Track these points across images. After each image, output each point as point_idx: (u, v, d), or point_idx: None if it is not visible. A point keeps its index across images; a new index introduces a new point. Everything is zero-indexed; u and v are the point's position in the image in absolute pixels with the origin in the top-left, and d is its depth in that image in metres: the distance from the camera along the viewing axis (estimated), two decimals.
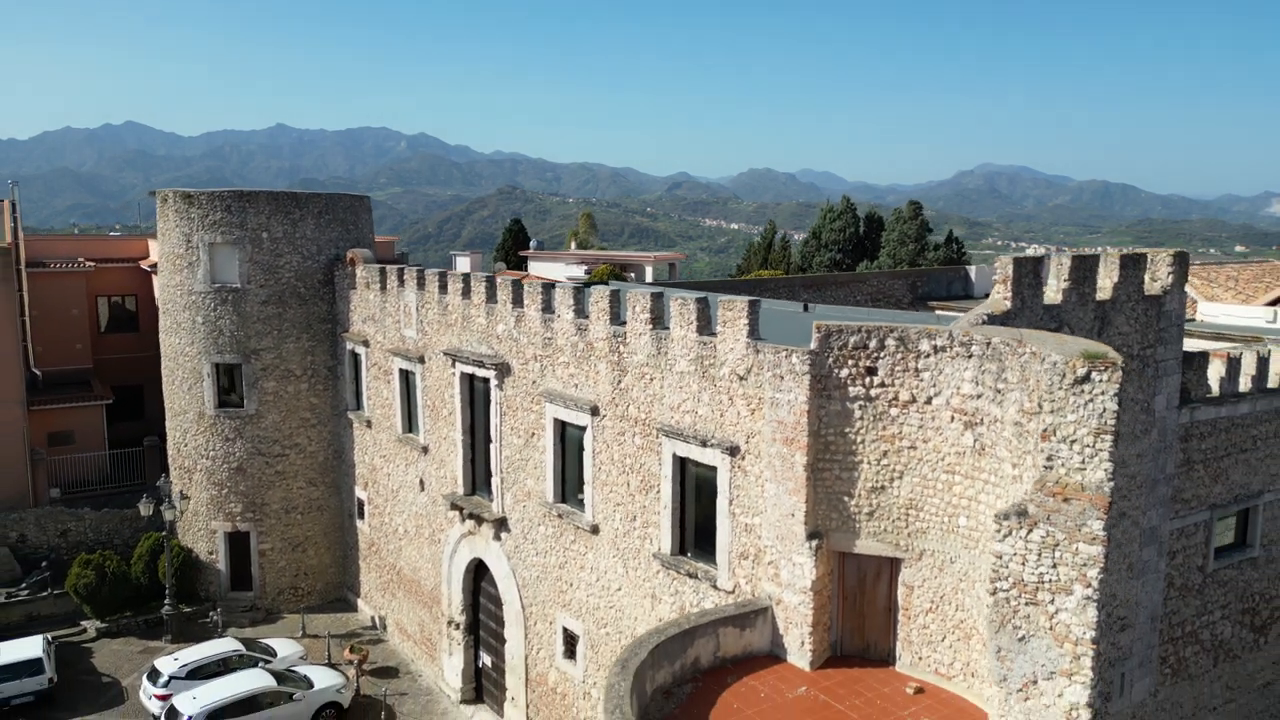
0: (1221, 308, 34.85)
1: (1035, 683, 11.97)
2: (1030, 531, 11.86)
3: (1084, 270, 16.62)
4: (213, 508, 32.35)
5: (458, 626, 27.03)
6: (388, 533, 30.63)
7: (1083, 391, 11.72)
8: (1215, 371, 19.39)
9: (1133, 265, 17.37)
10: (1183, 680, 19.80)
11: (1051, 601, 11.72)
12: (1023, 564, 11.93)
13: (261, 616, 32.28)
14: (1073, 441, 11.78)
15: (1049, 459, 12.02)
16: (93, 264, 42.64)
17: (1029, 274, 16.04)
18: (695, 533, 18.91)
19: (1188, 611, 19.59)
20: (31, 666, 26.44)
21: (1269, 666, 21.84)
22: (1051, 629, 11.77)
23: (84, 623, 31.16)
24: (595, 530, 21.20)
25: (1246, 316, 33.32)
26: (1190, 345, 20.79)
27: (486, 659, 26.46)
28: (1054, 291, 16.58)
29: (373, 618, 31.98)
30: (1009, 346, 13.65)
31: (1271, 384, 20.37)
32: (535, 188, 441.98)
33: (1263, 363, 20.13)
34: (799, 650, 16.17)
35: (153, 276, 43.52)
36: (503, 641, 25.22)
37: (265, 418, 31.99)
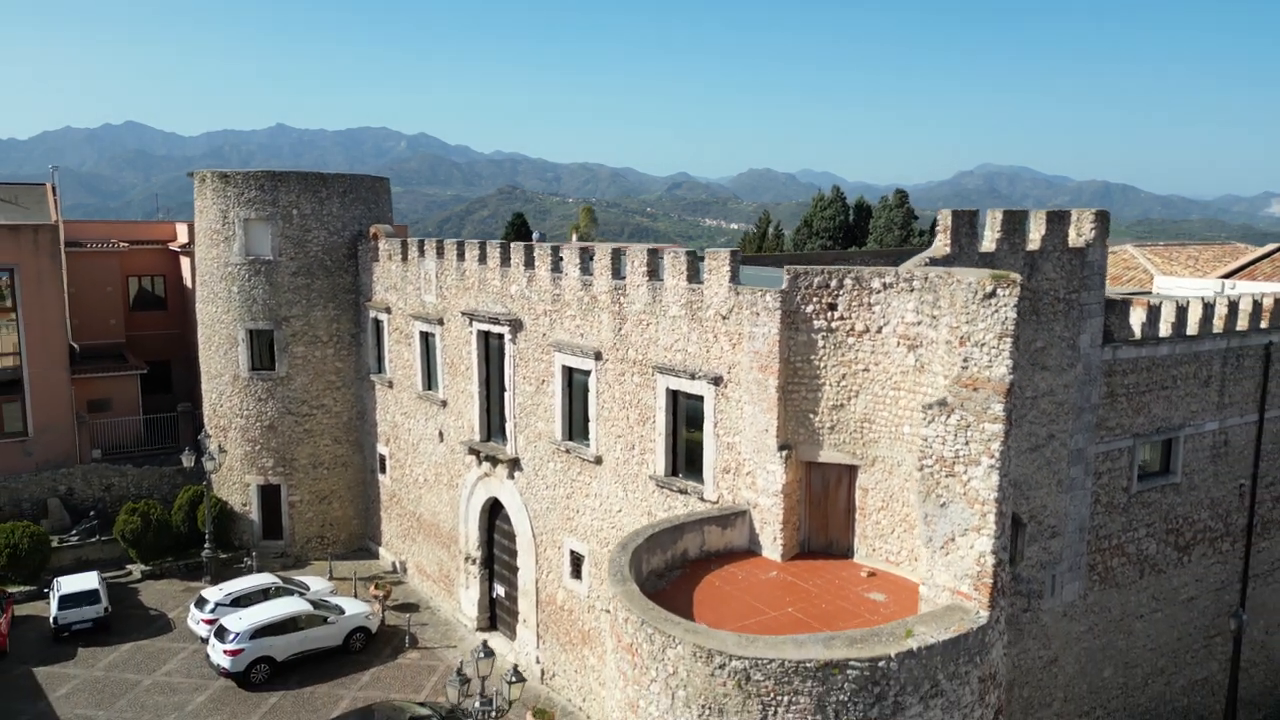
0: (1175, 281, 37.66)
1: (953, 539, 14.89)
2: (949, 417, 14.78)
3: (1014, 223, 19.54)
4: (246, 463, 35.27)
5: (474, 561, 29.95)
6: (408, 483, 33.55)
7: (990, 304, 14.64)
8: (1138, 317, 22.30)
9: (1058, 220, 20.28)
10: (1110, 587, 22.70)
11: (965, 471, 14.64)
12: (943, 443, 14.86)
13: (291, 563, 35.17)
14: (982, 345, 14.70)
15: (965, 360, 14.95)
16: (126, 244, 45.56)
17: (965, 225, 18.95)
18: (685, 455, 21.82)
19: (1114, 527, 22.49)
20: (90, 597, 29.36)
21: (1193, 583, 24.75)
22: (965, 494, 14.69)
23: (129, 566, 34.07)
24: (599, 461, 24.12)
25: (1198, 289, 36.11)
26: None
27: (500, 590, 29.35)
28: (989, 242, 19.49)
29: (394, 563, 34.91)
30: (941, 279, 16.54)
31: (1191, 331, 23.28)
32: (535, 188, 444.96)
33: (1181, 311, 23.03)
34: (772, 545, 19.07)
35: (180, 258, 46.61)
36: (515, 571, 28.12)
37: (294, 380, 34.92)
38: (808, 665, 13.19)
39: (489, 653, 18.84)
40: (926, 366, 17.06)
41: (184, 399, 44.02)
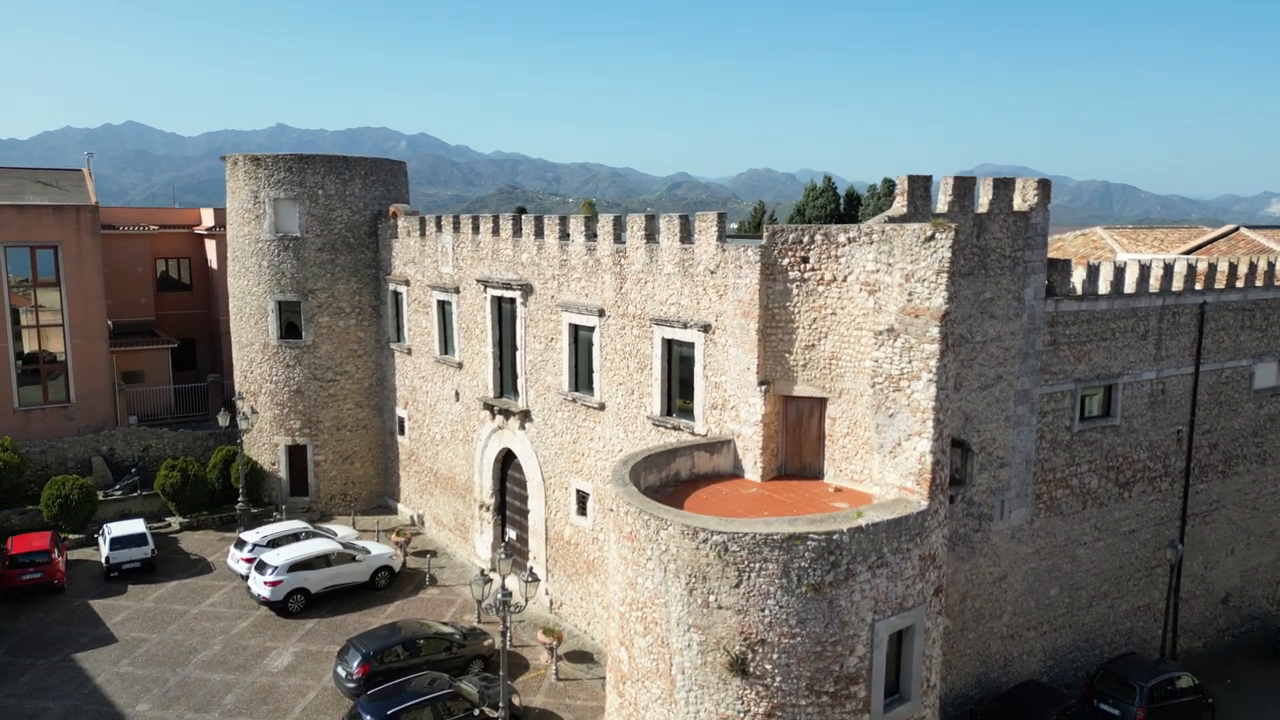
0: (1137, 256, 40.52)
1: (900, 444, 17.78)
2: (896, 341, 17.68)
3: (964, 188, 22.39)
4: (275, 424, 38.15)
5: (487, 508, 32.83)
6: (426, 441, 36.43)
7: (930, 246, 17.54)
8: (1079, 276, 25.17)
9: (1004, 187, 23.14)
10: (1055, 515, 25.56)
11: (909, 386, 17.54)
12: (891, 363, 17.75)
13: (316, 517, 38.01)
14: (923, 280, 17.60)
15: (909, 294, 17.85)
16: (156, 227, 48.45)
17: (920, 189, 21.80)
18: (679, 396, 24.70)
19: (1058, 461, 25.34)
20: (138, 540, 32.24)
21: (1134, 517, 27.60)
22: (909, 405, 17.58)
23: (169, 519, 36.95)
24: (602, 407, 27.01)
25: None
26: None
27: (511, 533, 32.21)
28: (942, 204, 22.33)
29: (412, 517, 37.79)
30: (895, 231, 19.41)
31: (1128, 290, 26.15)
32: (535, 187, 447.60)
33: (1119, 271, 25.91)
34: (753, 468, 21.94)
35: (205, 241, 49.52)
36: (525, 515, 31.00)
37: (320, 348, 37.81)
38: (775, 537, 16.08)
39: (509, 553, 21.72)
40: (883, 308, 19.91)
41: (206, 374, 46.96)
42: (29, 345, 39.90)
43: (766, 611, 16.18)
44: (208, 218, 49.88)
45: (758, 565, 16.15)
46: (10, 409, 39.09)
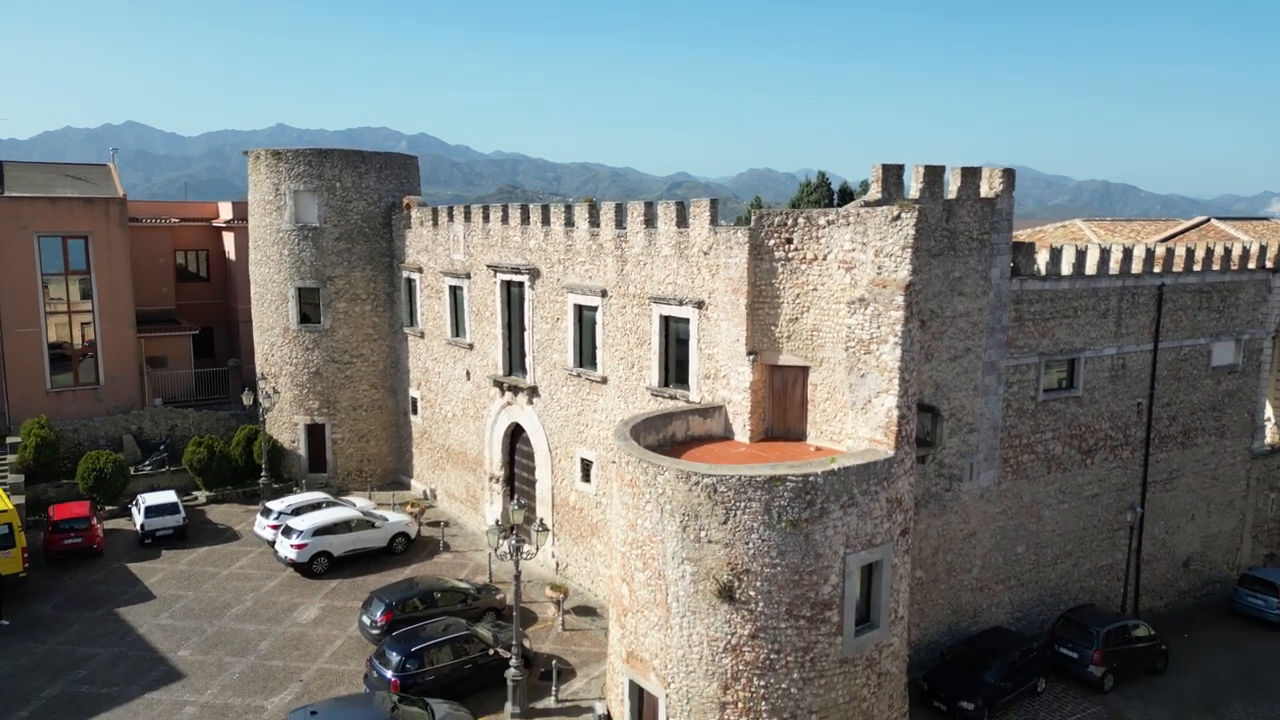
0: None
1: (870, 401, 20.00)
2: (866, 308, 19.91)
3: (934, 176, 24.56)
4: (295, 404, 40.38)
5: (497, 480, 35.06)
6: (438, 419, 38.66)
7: (896, 224, 19.76)
8: (1043, 258, 27.38)
9: (971, 175, 25.32)
10: (1021, 479, 27.77)
11: (878, 348, 19.77)
12: (862, 329, 19.98)
13: (334, 492, 40.09)
14: (890, 255, 19.82)
15: (879, 268, 20.07)
16: (176, 220, 50.66)
17: (894, 177, 23.96)
18: (675, 368, 26.91)
19: (1023, 428, 27.55)
20: (170, 509, 34.49)
21: (1096, 482, 29.81)
22: (878, 365, 19.81)
23: (195, 492, 39.17)
24: (604, 381, 29.23)
25: None
26: None
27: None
28: (914, 191, 24.53)
29: (424, 491, 40.02)
30: (869, 213, 21.63)
31: (1090, 271, 28.36)
32: (535, 187, 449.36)
33: (1080, 255, 28.12)
34: (742, 431, 24.17)
35: (223, 233, 51.71)
36: (533, 485, 33.21)
37: (337, 332, 40.03)
38: (757, 479, 18.32)
39: (521, 504, 23.94)
40: (858, 283, 22.13)
41: (224, 361, 49.21)
42: (61, 330, 42.10)
43: (750, 544, 18.41)
44: (225, 211, 52.07)
45: (743, 504, 18.38)
46: (43, 391, 41.30)
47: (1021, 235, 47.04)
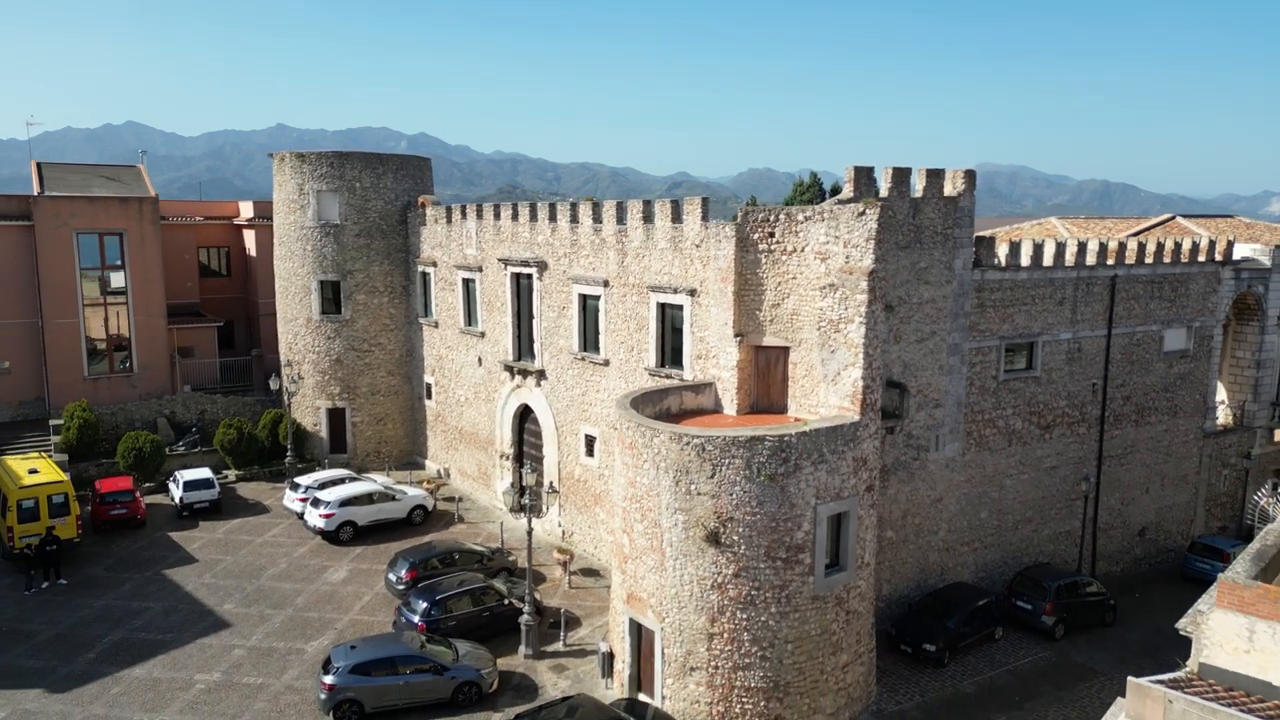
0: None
1: (839, 373, 22.91)
2: (836, 293, 22.81)
3: (901, 177, 27.43)
4: (317, 390, 43.30)
5: (507, 457, 37.97)
6: (451, 403, 41.58)
7: (862, 219, 22.66)
8: (1003, 250, 30.27)
9: (935, 176, 28.18)
10: (984, 450, 30.66)
11: (845, 327, 22.67)
12: (832, 310, 22.88)
13: (354, 471, 43.11)
14: (857, 245, 22.73)
15: (847, 257, 22.98)
16: (201, 219, 53.56)
17: (865, 178, 26.86)
18: (670, 351, 29.82)
19: (986, 404, 30.44)
20: (206, 483, 37.44)
21: (1054, 455, 32.71)
22: (845, 342, 22.72)
23: (225, 471, 42.08)
24: (607, 363, 32.14)
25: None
26: None
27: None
28: (884, 190, 27.41)
29: (438, 470, 42.93)
30: (841, 209, 24.52)
31: (1047, 263, 31.25)
32: (535, 187, 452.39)
33: (1038, 248, 31.00)
34: (730, 405, 27.07)
35: (243, 231, 54.63)
36: (541, 460, 36.10)
37: (357, 322, 42.95)
38: (740, 439, 21.22)
39: (534, 468, 26.85)
40: (831, 271, 25.06)
41: (244, 353, 52.13)
42: (97, 322, 44.98)
43: (734, 496, 21.31)
44: (247, 210, 54.97)
45: (727, 461, 21.28)
46: (81, 378, 44.19)
47: (1000, 231, 50.10)
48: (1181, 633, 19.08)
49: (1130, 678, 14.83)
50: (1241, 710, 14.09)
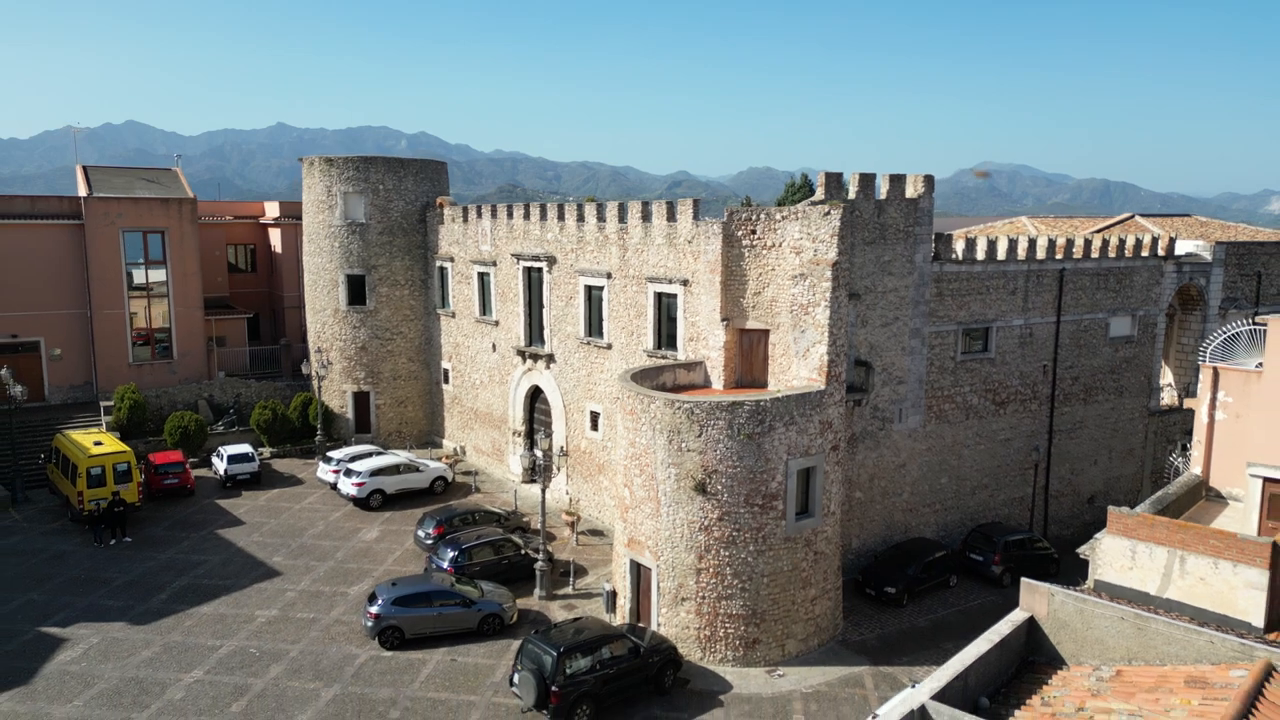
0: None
1: (808, 350, 26.90)
2: (805, 281, 26.81)
3: (867, 181, 31.41)
4: (343, 375, 47.29)
5: (519, 434, 41.97)
6: (467, 386, 45.58)
7: (828, 218, 26.66)
8: (960, 245, 34.25)
9: (898, 180, 32.14)
10: (944, 423, 34.65)
11: (814, 311, 26.66)
12: (802, 296, 26.87)
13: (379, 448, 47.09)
14: (823, 241, 26.72)
15: (814, 251, 26.98)
16: (230, 218, 57.55)
17: (835, 182, 30.83)
18: (666, 334, 33.82)
19: (945, 382, 34.41)
20: (247, 457, 41.45)
21: (1008, 429, 36.70)
22: (813, 323, 26.71)
23: (260, 449, 46.06)
24: (609, 347, 36.13)
25: None
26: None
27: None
28: (851, 193, 31.39)
29: (455, 448, 46.94)
30: (812, 210, 28.49)
31: (1000, 257, 35.22)
32: (535, 186, 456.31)
33: (991, 244, 34.98)
34: (718, 381, 31.06)
35: (269, 230, 58.58)
36: (550, 435, 40.03)
37: (380, 313, 46.93)
38: (723, 404, 25.22)
39: (548, 434, 30.83)
40: (803, 263, 29.05)
41: (269, 342, 56.15)
42: (141, 312, 48.95)
43: (718, 452, 25.29)
44: (273, 209, 58.96)
45: (712, 422, 25.27)
46: (126, 364, 48.17)
47: (975, 230, 54.18)
48: (1080, 556, 23.23)
49: (1024, 579, 18.86)
50: (1105, 599, 18.15)
